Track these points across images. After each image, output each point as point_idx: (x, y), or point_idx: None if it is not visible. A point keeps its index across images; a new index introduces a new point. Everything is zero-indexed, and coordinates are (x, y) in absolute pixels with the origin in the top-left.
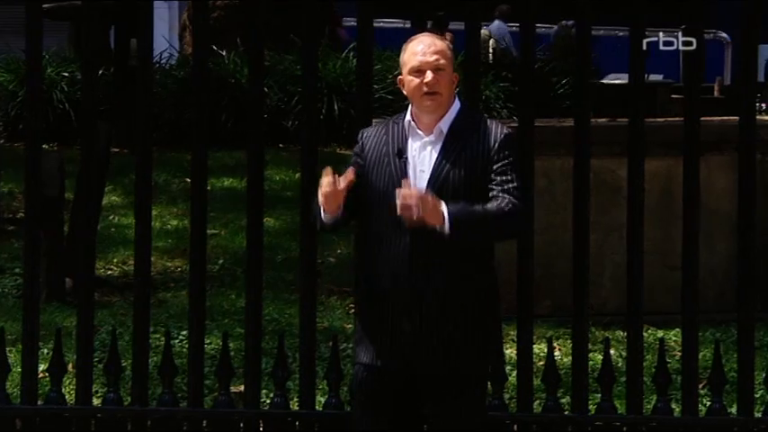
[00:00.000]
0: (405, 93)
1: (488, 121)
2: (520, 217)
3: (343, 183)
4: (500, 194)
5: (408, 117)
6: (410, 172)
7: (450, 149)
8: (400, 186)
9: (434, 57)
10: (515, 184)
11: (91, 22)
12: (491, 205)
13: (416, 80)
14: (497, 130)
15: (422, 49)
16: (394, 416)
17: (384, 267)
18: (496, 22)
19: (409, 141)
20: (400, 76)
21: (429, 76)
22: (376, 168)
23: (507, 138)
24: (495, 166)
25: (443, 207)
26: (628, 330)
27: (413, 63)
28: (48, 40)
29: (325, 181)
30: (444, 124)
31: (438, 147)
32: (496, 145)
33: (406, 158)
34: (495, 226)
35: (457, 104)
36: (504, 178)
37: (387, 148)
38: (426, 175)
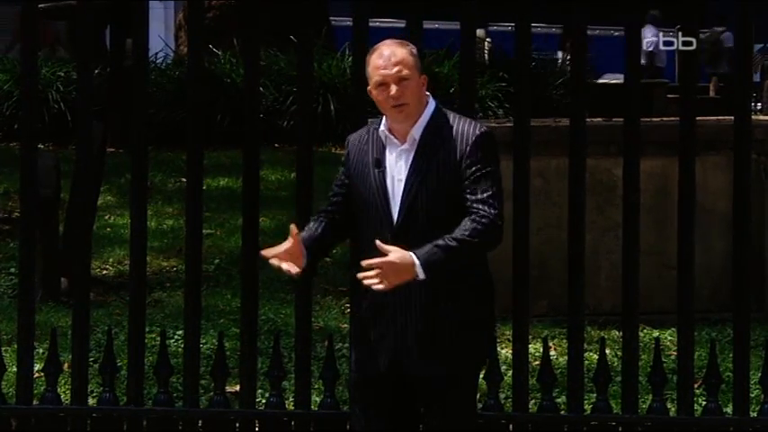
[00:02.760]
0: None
1: (461, 121)
2: (493, 230)
3: (287, 244)
4: (473, 206)
5: (383, 127)
6: (388, 182)
7: (422, 158)
8: (380, 197)
9: (396, 68)
10: (489, 192)
11: (86, 21)
12: (463, 227)
13: (382, 94)
14: (470, 131)
15: (382, 63)
16: (391, 416)
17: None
18: (647, 28)
19: (387, 150)
20: (369, 88)
21: (393, 89)
22: (359, 178)
23: (480, 138)
24: (467, 172)
25: (413, 258)
26: (623, 330)
27: (376, 78)
28: None
29: (277, 257)
30: (416, 131)
31: (411, 155)
32: (468, 148)
33: (384, 169)
34: (469, 251)
35: (431, 106)
36: (476, 187)
37: (367, 157)
38: (402, 184)
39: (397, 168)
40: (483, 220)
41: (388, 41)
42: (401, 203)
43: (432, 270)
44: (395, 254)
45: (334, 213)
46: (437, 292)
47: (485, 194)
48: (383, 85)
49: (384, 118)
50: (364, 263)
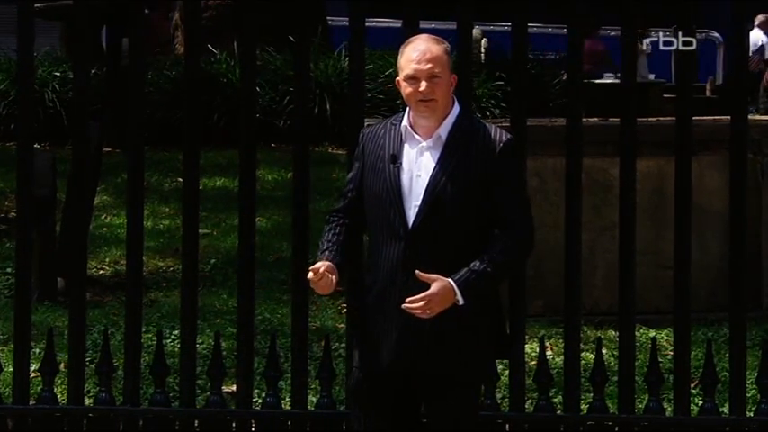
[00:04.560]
0: (402, 95)
1: (487, 126)
2: (528, 243)
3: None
4: (507, 219)
5: (405, 122)
6: (404, 178)
7: (449, 157)
8: (394, 194)
9: (429, 65)
10: (519, 204)
11: (82, 21)
12: (499, 246)
13: (411, 88)
14: (497, 138)
15: (416, 57)
16: (393, 416)
17: (380, 271)
18: (755, 32)
19: (405, 146)
20: (398, 79)
21: (423, 85)
22: (372, 173)
23: (507, 146)
24: (498, 181)
25: (452, 284)
26: (620, 330)
27: (407, 71)
28: (39, 39)
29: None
30: (443, 130)
31: (436, 153)
32: (496, 154)
33: (400, 164)
34: (507, 271)
35: (456, 109)
36: (509, 199)
37: (383, 152)
38: (423, 180)
39: (416, 165)
40: (518, 236)
41: (424, 36)
42: (422, 201)
43: (471, 295)
44: (435, 285)
45: (348, 214)
46: None
47: (517, 206)
48: (414, 79)
49: (406, 113)
50: (408, 300)
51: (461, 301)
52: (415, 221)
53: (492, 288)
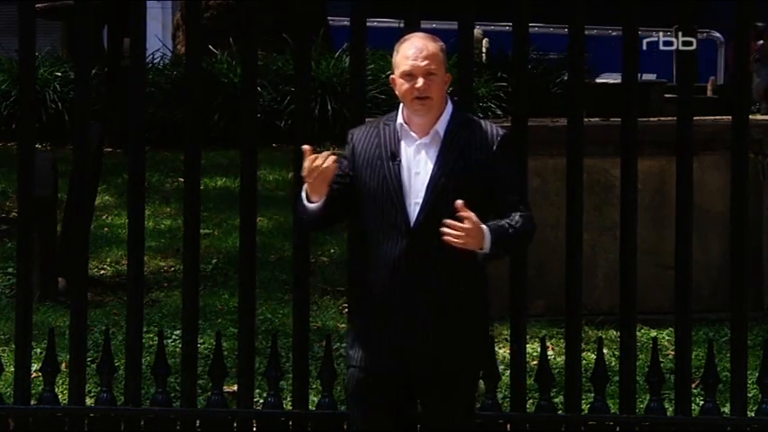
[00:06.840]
0: (396, 93)
1: (483, 122)
2: (533, 228)
3: (329, 161)
4: (515, 207)
5: (400, 119)
6: (404, 174)
7: (449, 153)
8: (395, 191)
9: (425, 62)
10: (523, 195)
11: (83, 21)
12: (513, 220)
13: (407, 84)
14: (494, 132)
15: (413, 54)
16: (390, 416)
17: (379, 269)
18: None
19: (402, 144)
20: (393, 76)
21: (420, 81)
22: (368, 171)
23: (504, 139)
24: (498, 176)
25: (486, 231)
26: (621, 330)
27: (404, 67)
28: (41, 39)
29: (308, 162)
30: (440, 126)
31: (434, 150)
32: (495, 148)
33: (400, 161)
34: (520, 244)
35: (450, 106)
36: (513, 190)
37: (379, 150)
38: (422, 178)
39: (414, 162)
40: (528, 217)
41: (419, 34)
42: (423, 198)
43: (496, 246)
44: (474, 221)
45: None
46: (438, 294)
47: (522, 197)
48: (410, 75)
49: (399, 111)
50: (449, 224)
51: (487, 250)
52: (417, 219)
53: (510, 251)
